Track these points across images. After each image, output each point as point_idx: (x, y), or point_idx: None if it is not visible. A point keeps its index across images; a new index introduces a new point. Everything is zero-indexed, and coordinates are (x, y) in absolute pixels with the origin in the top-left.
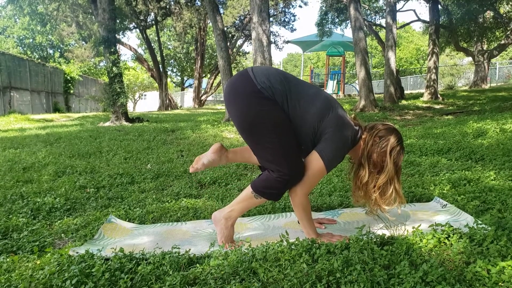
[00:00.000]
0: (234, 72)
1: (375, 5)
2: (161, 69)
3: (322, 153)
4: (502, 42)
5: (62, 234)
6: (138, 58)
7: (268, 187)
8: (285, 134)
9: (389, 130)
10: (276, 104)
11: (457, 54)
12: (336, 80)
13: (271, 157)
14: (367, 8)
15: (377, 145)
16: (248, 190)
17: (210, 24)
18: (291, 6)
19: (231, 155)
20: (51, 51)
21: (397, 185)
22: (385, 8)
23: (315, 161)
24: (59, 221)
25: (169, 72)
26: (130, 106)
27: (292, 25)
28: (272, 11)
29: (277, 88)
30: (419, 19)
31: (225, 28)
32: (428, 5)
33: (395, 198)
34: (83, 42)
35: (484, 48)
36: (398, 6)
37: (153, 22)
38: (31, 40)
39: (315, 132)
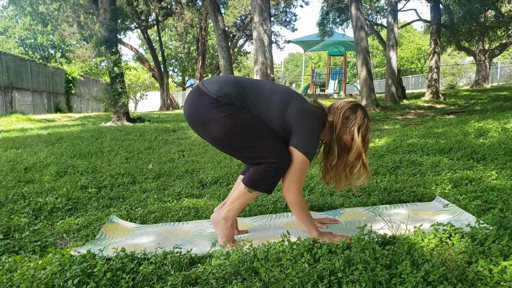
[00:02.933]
0: (236, 72)
1: (376, 4)
2: (162, 69)
3: (298, 146)
4: (504, 41)
5: (64, 234)
6: (139, 58)
7: (260, 179)
8: (256, 128)
9: (353, 108)
10: (236, 107)
11: (458, 53)
12: (337, 79)
13: (253, 154)
14: (368, 7)
15: (345, 125)
16: (241, 186)
17: (211, 24)
18: (292, 6)
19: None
20: (52, 51)
21: (365, 159)
22: (386, 7)
23: (294, 155)
24: (60, 221)
25: (170, 72)
26: (131, 106)
27: (293, 25)
28: (273, 11)
29: (232, 93)
30: (420, 19)
31: (226, 28)
32: (429, 4)
33: (364, 172)
34: (85, 42)
35: (486, 48)
36: (400, 5)
37: (154, 22)
38: (32, 40)
39: (282, 128)
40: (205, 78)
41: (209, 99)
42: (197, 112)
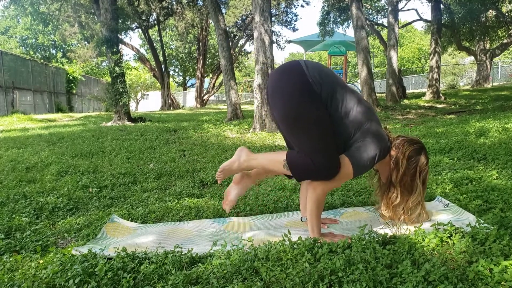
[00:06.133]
0: (236, 72)
1: (377, 4)
2: (163, 69)
3: (353, 159)
4: (505, 41)
5: (65, 234)
6: (140, 58)
7: (301, 166)
8: (326, 129)
9: (418, 150)
10: (321, 99)
11: (459, 53)
12: None
13: (310, 149)
14: (369, 7)
15: (408, 167)
16: (282, 156)
17: (212, 24)
18: (293, 6)
19: (254, 176)
20: (53, 51)
21: (424, 204)
22: (387, 7)
23: (345, 165)
24: (62, 221)
25: (171, 72)
26: (132, 106)
27: (294, 24)
28: (274, 10)
29: (326, 86)
30: (421, 19)
31: (227, 28)
32: (430, 4)
33: (424, 218)
34: (86, 42)
35: (487, 47)
36: (400, 5)
37: (155, 22)
38: (33, 40)
39: (350, 138)
40: (309, 60)
41: (303, 78)
42: (286, 83)
